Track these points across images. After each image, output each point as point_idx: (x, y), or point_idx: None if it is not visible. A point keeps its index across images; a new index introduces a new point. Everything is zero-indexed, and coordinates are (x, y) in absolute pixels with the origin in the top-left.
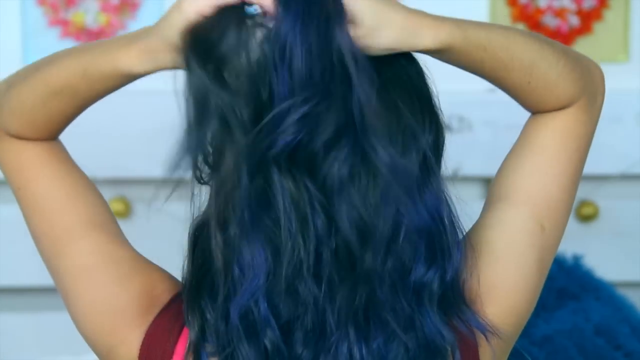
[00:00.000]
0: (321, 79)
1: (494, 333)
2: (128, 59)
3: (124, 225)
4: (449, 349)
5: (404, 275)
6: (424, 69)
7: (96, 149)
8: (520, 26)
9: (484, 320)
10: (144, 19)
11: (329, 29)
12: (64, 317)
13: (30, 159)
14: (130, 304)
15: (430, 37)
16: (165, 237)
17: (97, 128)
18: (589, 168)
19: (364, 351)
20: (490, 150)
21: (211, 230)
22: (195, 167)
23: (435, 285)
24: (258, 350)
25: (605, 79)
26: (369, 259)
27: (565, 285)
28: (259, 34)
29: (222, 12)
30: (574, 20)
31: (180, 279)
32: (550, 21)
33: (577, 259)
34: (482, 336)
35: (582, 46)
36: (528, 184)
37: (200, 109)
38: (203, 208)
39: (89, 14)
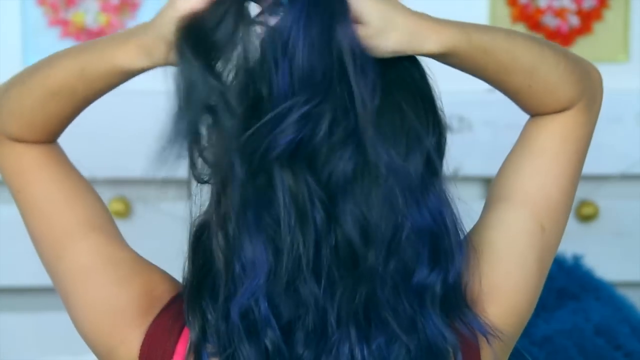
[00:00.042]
0: (323, 77)
1: (496, 335)
2: (125, 56)
3: (124, 225)
4: (451, 351)
5: (407, 276)
6: (426, 69)
7: (96, 149)
8: (520, 26)
9: (485, 322)
10: (144, 19)
11: (332, 26)
12: (64, 317)
13: (29, 162)
14: (130, 304)
15: (434, 41)
16: (165, 237)
17: (97, 128)
18: (589, 168)
19: (365, 352)
20: (490, 150)
21: (212, 230)
22: (193, 165)
23: (438, 287)
24: (259, 350)
25: (605, 79)
26: (371, 258)
27: (565, 285)
28: (259, 28)
29: (222, 3)
30: (574, 20)
31: (180, 279)
32: (550, 21)
33: (577, 259)
34: (484, 338)
35: (582, 46)
36: (528, 185)
37: (188, 98)
38: (204, 208)
39: (89, 14)
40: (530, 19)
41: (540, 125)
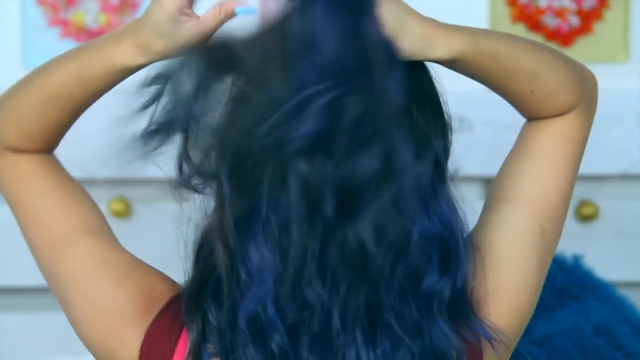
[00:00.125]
0: (348, 67)
1: (500, 340)
2: (122, 54)
3: (124, 225)
4: (456, 356)
5: (416, 281)
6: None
7: (96, 149)
8: (520, 26)
9: (490, 327)
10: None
11: (360, 17)
12: (64, 317)
13: (26, 171)
14: (128, 304)
15: (444, 47)
16: (165, 237)
17: (97, 128)
18: (589, 168)
19: (371, 356)
20: (490, 150)
21: (214, 236)
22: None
23: (447, 293)
24: (265, 355)
25: (605, 79)
26: (380, 260)
27: (565, 285)
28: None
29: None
30: (574, 20)
31: (180, 279)
32: (550, 21)
33: (577, 259)
34: (488, 343)
35: (582, 46)
36: (529, 187)
37: (205, 86)
38: (204, 210)
39: (89, 14)
40: (530, 19)
41: (539, 129)
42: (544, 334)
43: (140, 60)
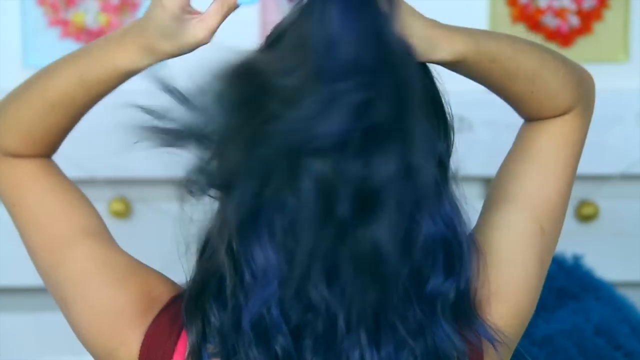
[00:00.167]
0: (374, 66)
1: (502, 342)
2: (126, 57)
3: (124, 225)
4: (457, 356)
5: (420, 284)
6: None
7: (96, 149)
8: (520, 26)
9: (492, 328)
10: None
11: (379, 16)
12: (64, 318)
13: (25, 175)
14: (128, 305)
15: (446, 49)
16: (165, 237)
17: (97, 128)
18: (589, 168)
19: (375, 358)
20: (490, 150)
21: (218, 236)
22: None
23: (452, 295)
24: (268, 356)
25: (605, 79)
26: (395, 263)
27: (565, 285)
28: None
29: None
30: (574, 20)
31: (180, 278)
32: (550, 21)
33: (577, 259)
34: (490, 345)
35: (582, 46)
36: (529, 188)
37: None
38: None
39: (89, 14)
40: (530, 19)
41: (538, 130)
42: (544, 334)
43: (146, 61)
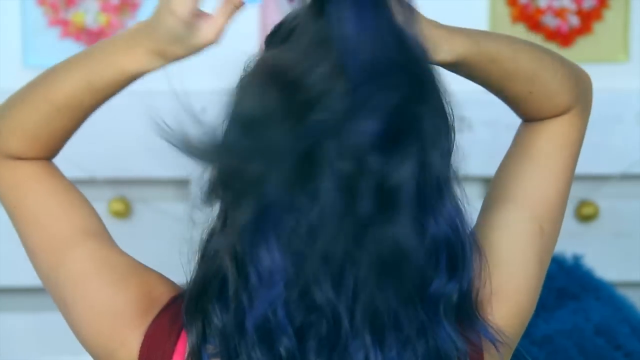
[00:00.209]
0: (399, 67)
1: (504, 342)
2: (135, 61)
3: (124, 225)
4: (458, 356)
5: (424, 285)
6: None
7: (96, 149)
8: (520, 26)
9: (493, 328)
10: (144, 18)
11: (392, 16)
12: (64, 318)
13: (26, 177)
14: (128, 305)
15: (447, 51)
16: (165, 237)
17: (97, 128)
18: (589, 168)
19: (380, 359)
20: (490, 150)
21: (222, 238)
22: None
23: (455, 297)
24: (271, 358)
25: (605, 79)
26: (420, 260)
27: (565, 285)
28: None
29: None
30: (574, 20)
31: (180, 278)
32: (550, 21)
33: (577, 259)
34: (491, 345)
35: (582, 46)
36: (528, 188)
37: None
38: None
39: (89, 14)
40: (530, 19)
41: (537, 130)
42: (544, 334)
43: (156, 64)
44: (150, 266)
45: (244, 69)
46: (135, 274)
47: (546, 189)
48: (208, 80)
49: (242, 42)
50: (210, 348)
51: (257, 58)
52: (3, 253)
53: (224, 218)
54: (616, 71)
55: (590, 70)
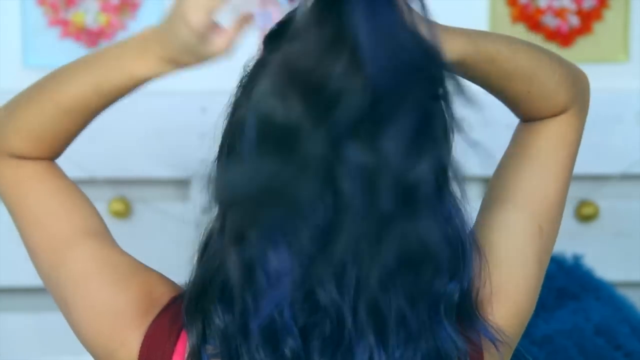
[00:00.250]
0: (417, 64)
1: (504, 342)
2: (146, 66)
3: (124, 225)
4: (458, 356)
5: (425, 285)
6: None
7: (96, 149)
8: (520, 26)
9: (494, 328)
10: (144, 19)
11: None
12: (64, 318)
13: (27, 176)
14: (128, 305)
15: (447, 52)
16: (165, 237)
17: (97, 128)
18: (589, 168)
19: (383, 358)
20: (490, 150)
21: (223, 240)
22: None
23: (456, 297)
24: (275, 358)
25: (605, 79)
26: (444, 258)
27: (565, 285)
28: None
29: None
30: (574, 20)
31: (180, 279)
32: (550, 21)
33: (577, 259)
34: (491, 344)
35: (582, 46)
36: (527, 188)
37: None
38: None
39: (89, 14)
40: (530, 19)
41: (535, 130)
42: (544, 334)
43: (166, 70)
44: (150, 266)
45: (244, 69)
46: (136, 274)
47: (545, 188)
48: (208, 80)
49: (241, 42)
50: (210, 348)
51: (260, 59)
52: (3, 253)
53: (223, 220)
54: (616, 71)
55: (590, 70)
